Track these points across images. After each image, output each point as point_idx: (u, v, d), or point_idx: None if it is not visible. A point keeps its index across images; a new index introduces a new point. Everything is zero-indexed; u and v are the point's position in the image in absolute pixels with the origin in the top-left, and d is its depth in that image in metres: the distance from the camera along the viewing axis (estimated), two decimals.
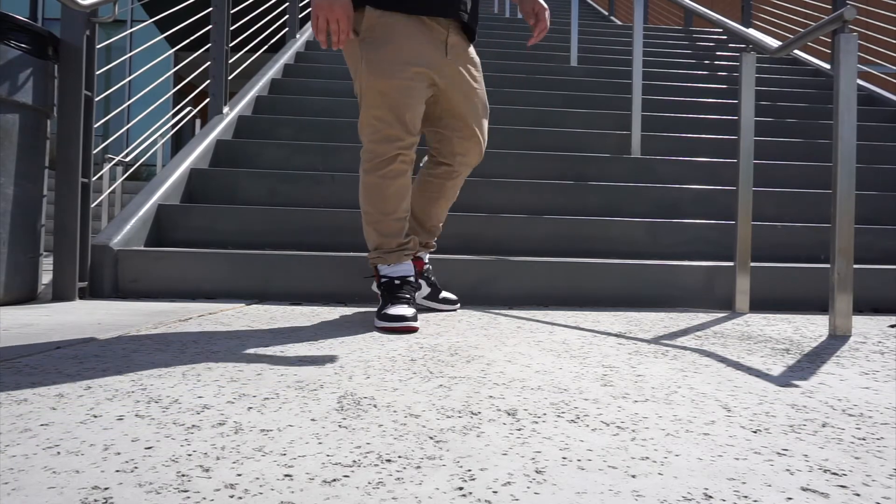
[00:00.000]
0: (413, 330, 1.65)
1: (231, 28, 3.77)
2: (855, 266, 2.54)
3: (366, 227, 1.83)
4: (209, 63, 3.58)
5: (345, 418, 0.87)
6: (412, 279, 1.81)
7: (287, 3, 5.49)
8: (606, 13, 9.41)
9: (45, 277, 2.93)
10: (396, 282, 1.78)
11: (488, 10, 8.33)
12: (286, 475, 0.66)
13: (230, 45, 3.69)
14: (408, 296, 1.77)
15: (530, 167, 3.40)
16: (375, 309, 2.05)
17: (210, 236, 2.78)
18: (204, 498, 0.60)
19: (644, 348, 1.50)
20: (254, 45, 5.26)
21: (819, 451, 0.78)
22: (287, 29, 5.42)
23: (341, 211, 2.80)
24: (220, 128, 3.52)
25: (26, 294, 2.26)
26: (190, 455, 0.71)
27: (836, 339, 1.70)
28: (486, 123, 1.91)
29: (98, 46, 2.45)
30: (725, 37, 6.65)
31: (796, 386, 1.14)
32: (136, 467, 0.67)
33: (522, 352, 1.42)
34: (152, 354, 1.30)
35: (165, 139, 7.26)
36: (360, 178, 1.79)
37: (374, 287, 1.86)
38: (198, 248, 2.61)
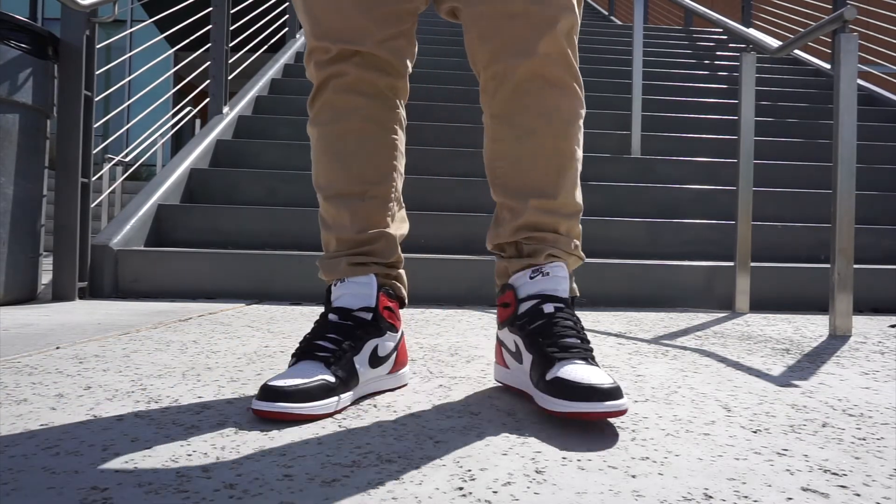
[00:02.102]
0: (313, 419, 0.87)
1: (231, 28, 3.77)
2: (855, 266, 2.54)
3: None
4: (209, 63, 3.58)
5: (345, 418, 0.87)
6: (371, 315, 0.98)
7: (287, 3, 5.49)
8: (606, 13, 9.41)
9: (45, 277, 2.93)
10: (331, 317, 0.97)
11: None
12: (286, 475, 0.66)
13: (230, 45, 3.69)
14: (324, 351, 0.92)
15: None
16: None
17: (210, 236, 2.78)
18: (203, 498, 0.60)
19: (644, 348, 1.50)
20: (254, 45, 5.26)
21: (819, 451, 0.77)
22: (287, 29, 5.43)
23: None
24: (220, 128, 3.52)
25: (26, 294, 2.26)
26: (189, 455, 0.71)
27: (836, 339, 1.70)
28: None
29: (98, 46, 2.46)
30: (725, 37, 6.65)
31: (796, 386, 1.14)
32: (135, 467, 0.67)
33: None
34: (152, 354, 1.30)
35: (165, 139, 7.26)
36: None
37: None
38: (198, 248, 2.61)
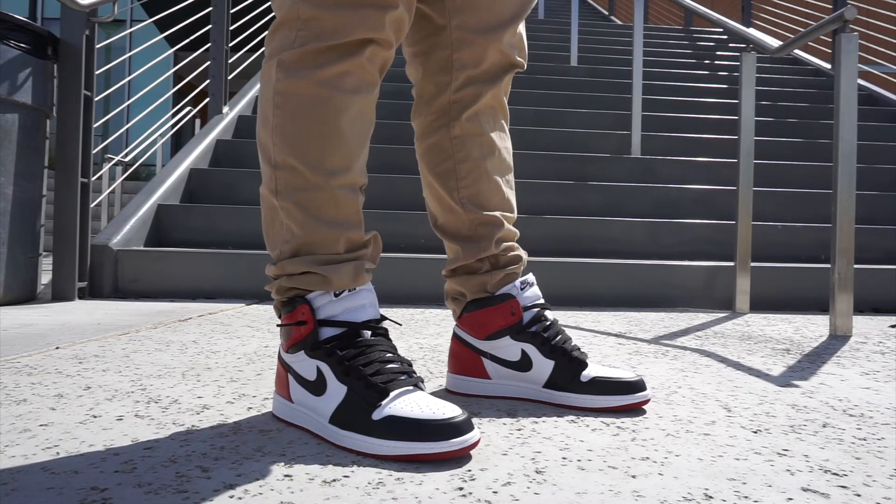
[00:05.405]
0: (471, 447, 0.72)
1: (231, 28, 3.77)
2: (855, 266, 2.54)
3: (269, 211, 0.85)
4: (209, 63, 3.58)
5: None
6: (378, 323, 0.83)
7: None
8: (606, 13, 9.41)
9: (45, 277, 2.93)
10: (367, 334, 0.81)
11: None
12: (286, 475, 0.66)
13: (230, 44, 3.69)
14: (405, 367, 0.80)
15: (530, 167, 3.40)
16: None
17: (210, 236, 2.78)
18: (203, 498, 0.60)
19: (644, 348, 1.50)
20: (254, 45, 5.26)
21: (820, 451, 0.77)
22: None
23: None
24: (219, 128, 3.52)
25: (26, 294, 2.26)
26: (189, 455, 0.71)
27: (837, 340, 1.70)
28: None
29: (98, 46, 2.45)
30: (726, 36, 6.65)
31: (797, 386, 1.14)
32: (135, 468, 0.67)
33: None
34: (152, 354, 1.30)
35: (165, 139, 7.26)
36: (266, 90, 0.83)
37: (289, 353, 0.82)
38: (197, 248, 2.61)
